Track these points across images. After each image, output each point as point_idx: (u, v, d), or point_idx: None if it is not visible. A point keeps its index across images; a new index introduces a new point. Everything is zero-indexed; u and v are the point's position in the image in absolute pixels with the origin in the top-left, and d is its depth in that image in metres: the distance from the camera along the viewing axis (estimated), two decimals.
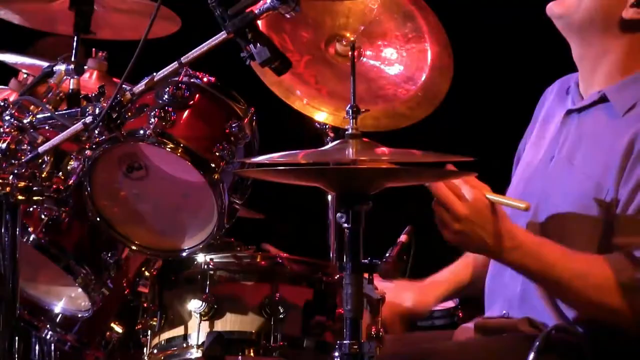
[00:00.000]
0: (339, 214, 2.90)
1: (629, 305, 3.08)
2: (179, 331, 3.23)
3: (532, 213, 3.28)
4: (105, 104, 3.04)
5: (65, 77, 3.37)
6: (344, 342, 2.80)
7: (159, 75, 3.02)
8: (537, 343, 3.01)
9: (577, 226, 3.23)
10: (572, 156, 3.31)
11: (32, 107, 3.23)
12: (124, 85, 3.02)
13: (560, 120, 3.39)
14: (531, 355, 3.01)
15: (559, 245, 3.17)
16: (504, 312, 3.32)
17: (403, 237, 3.36)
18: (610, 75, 3.31)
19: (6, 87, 3.72)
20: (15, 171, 3.10)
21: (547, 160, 3.36)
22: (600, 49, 3.31)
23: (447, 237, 3.10)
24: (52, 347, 3.63)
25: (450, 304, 4.06)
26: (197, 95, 3.23)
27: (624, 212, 3.14)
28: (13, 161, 3.12)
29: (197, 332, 3.18)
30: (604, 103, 3.29)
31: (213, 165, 3.15)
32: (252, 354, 3.16)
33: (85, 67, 3.50)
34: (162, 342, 3.25)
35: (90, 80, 3.63)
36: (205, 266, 3.21)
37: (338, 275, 3.12)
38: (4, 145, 3.13)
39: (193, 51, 2.98)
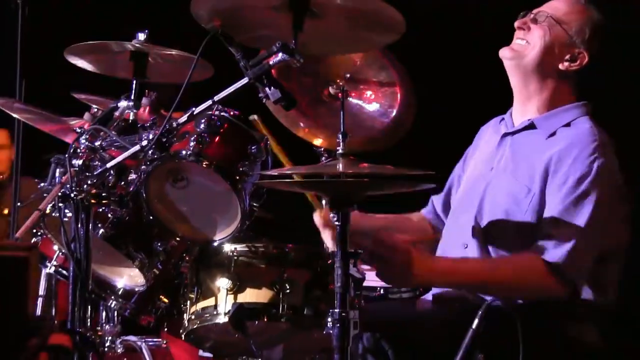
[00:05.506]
0: (331, 214, 2.98)
1: (560, 282, 3.12)
2: (210, 302, 3.30)
3: (476, 210, 3.37)
4: (157, 132, 3.17)
5: (126, 111, 3.45)
6: (335, 310, 2.90)
7: (197, 109, 3.14)
8: (480, 312, 3.09)
9: (512, 220, 3.29)
10: (507, 167, 3.40)
11: (101, 133, 3.31)
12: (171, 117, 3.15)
13: (497, 141, 3.48)
14: (475, 321, 3.09)
15: (479, 258, 3.30)
16: None
17: None
18: (539, 109, 3.41)
19: (82, 119, 3.83)
20: (89, 181, 3.19)
21: (488, 170, 3.45)
22: (536, 87, 3.40)
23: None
24: (115, 314, 3.69)
25: None
26: (226, 125, 3.32)
27: (548, 210, 3.21)
28: (87, 174, 3.23)
29: (225, 302, 3.26)
30: (532, 129, 3.40)
31: (237, 177, 3.25)
32: (265, 319, 3.24)
33: (141, 103, 3.56)
34: (198, 310, 3.33)
35: (145, 113, 3.73)
36: (231, 253, 3.29)
37: (330, 261, 3.07)
38: (80, 162, 3.24)
39: (223, 92, 3.09)
